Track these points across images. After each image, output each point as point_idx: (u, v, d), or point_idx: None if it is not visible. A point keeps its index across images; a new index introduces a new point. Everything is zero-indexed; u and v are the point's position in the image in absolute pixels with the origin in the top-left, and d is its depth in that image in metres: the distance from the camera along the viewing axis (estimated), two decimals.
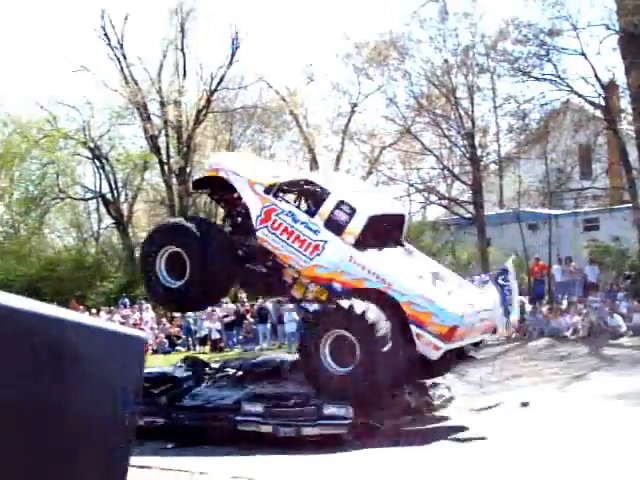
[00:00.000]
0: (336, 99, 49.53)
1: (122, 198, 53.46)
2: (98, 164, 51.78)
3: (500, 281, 18.48)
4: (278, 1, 64.21)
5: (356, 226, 18.02)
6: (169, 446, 17.05)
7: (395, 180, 43.20)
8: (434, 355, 17.10)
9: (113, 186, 52.16)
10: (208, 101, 50.20)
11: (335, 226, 18.06)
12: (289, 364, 19.58)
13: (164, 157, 50.09)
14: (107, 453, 1.80)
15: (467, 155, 39.61)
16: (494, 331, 19.75)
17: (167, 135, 50.17)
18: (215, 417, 17.41)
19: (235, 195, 19.77)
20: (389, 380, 17.07)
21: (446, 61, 39.66)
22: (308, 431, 16.11)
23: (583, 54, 35.86)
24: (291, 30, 65.81)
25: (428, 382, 20.26)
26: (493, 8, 62.56)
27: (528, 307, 32.43)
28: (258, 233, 18.80)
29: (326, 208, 18.29)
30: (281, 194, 19.11)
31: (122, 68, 49.28)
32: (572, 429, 16.18)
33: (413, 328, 16.99)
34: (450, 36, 39.52)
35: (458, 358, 19.47)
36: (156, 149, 49.99)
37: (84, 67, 48.82)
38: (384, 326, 16.73)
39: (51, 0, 65.12)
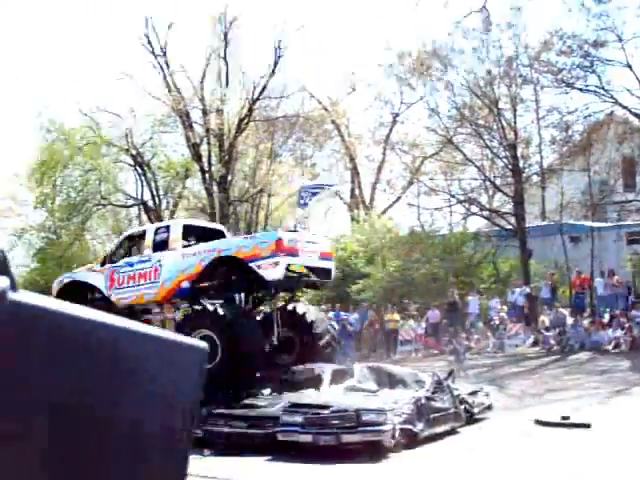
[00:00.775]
0: (378, 109, 49.64)
1: (163, 205, 53.59)
2: (140, 171, 51.99)
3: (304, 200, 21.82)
4: (322, 11, 64.32)
5: (176, 235, 21.45)
6: (207, 453, 17.05)
7: (436, 191, 43.02)
8: (279, 272, 19.40)
9: (154, 193, 52.32)
10: (250, 110, 50.29)
11: (160, 246, 21.16)
12: (328, 373, 19.60)
13: (205, 165, 50.21)
14: (166, 464, 1.78)
15: (509, 166, 39.38)
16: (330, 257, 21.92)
17: (209, 143, 50.29)
18: (254, 425, 17.41)
19: (88, 298, 22.33)
20: (250, 372, 19.46)
21: (489, 72, 39.46)
22: (348, 438, 16.06)
23: (628, 65, 35.61)
24: (334, 40, 65.88)
25: (467, 390, 20.26)
26: (537, 19, 62.29)
27: (569, 320, 32.21)
28: (112, 298, 21.74)
29: (148, 239, 21.60)
30: (115, 259, 22.39)
31: (165, 76, 49.50)
32: (610, 443, 15.99)
33: (253, 265, 19.42)
34: (493, 47, 39.38)
35: (303, 276, 20.75)
36: (198, 157, 50.13)
37: (127, 75, 49.13)
38: (241, 320, 19.60)
39: (96, 8, 65.49)
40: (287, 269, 19.57)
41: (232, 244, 20.59)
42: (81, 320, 1.72)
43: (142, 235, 22.46)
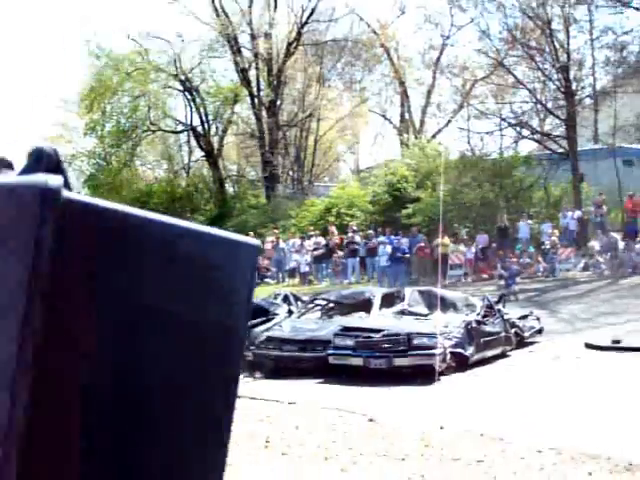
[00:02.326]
0: (428, 32, 48.98)
1: (212, 131, 53.68)
2: (189, 97, 52.02)
3: None
4: None
5: None
6: (258, 376, 17.26)
7: (487, 114, 42.53)
8: None
9: (204, 119, 52.40)
10: (299, 34, 50.02)
11: None
12: (379, 297, 19.65)
13: (254, 90, 50.13)
14: (224, 362, 1.78)
15: (561, 89, 38.77)
16: None
17: (257, 68, 50.15)
18: (305, 349, 17.55)
19: None
20: None
21: None
22: (399, 362, 16.15)
23: None
24: None
25: (517, 314, 20.29)
26: None
27: (621, 244, 31.90)
28: None
29: None
30: None
31: (213, 0, 49.23)
32: None
33: None
34: None
35: None
36: (246, 82, 50.04)
37: None
38: None
39: None
40: None
41: None
42: (136, 218, 1.69)
43: None
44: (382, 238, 34.72)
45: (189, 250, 1.77)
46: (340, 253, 35.86)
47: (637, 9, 36.28)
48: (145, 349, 1.73)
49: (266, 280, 36.90)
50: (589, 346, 18.60)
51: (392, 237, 34.67)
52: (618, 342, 18.43)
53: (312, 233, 38.04)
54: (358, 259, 35.37)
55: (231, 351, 1.96)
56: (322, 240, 37.11)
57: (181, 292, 1.75)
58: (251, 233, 40.34)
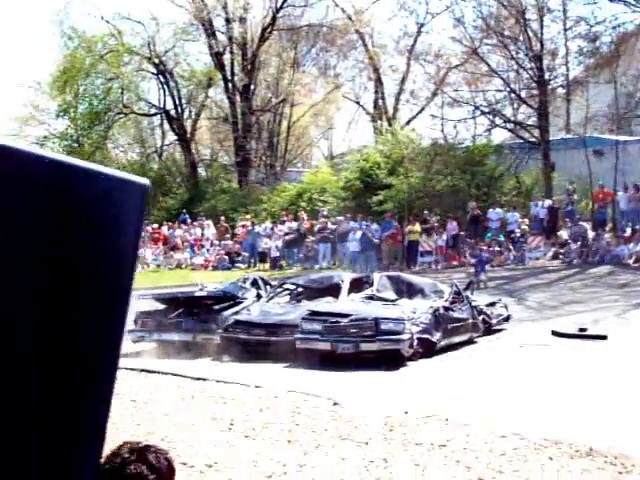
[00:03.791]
0: (403, 19, 49.01)
1: (186, 114, 53.58)
2: (162, 80, 51.83)
3: None
4: None
5: None
6: (225, 360, 17.26)
7: (460, 102, 42.62)
8: None
9: (177, 102, 52.23)
10: (273, 18, 49.85)
11: None
12: (347, 282, 19.68)
13: (228, 74, 49.98)
14: (108, 300, 1.77)
15: (534, 78, 38.89)
16: None
17: (232, 52, 49.98)
18: (273, 333, 17.56)
19: None
20: None
21: None
22: (366, 347, 16.20)
23: None
24: None
25: (485, 301, 20.38)
26: None
27: (591, 234, 32.06)
28: None
29: None
30: None
31: None
32: (626, 355, 16.05)
33: None
34: None
35: None
36: (220, 66, 49.87)
37: None
38: None
39: None
40: None
41: None
42: (24, 154, 1.69)
43: None
44: (353, 224, 34.81)
45: (68, 185, 1.75)
46: (312, 238, 35.89)
47: (610, 0, 36.42)
48: (19, 286, 1.73)
49: (237, 264, 36.91)
50: (556, 334, 18.71)
51: (363, 223, 34.71)
52: (584, 330, 18.55)
53: (285, 218, 38.11)
54: (329, 245, 35.42)
55: (115, 291, 1.95)
56: (294, 225, 37.16)
57: (59, 227, 1.74)
58: (222, 217, 40.55)
